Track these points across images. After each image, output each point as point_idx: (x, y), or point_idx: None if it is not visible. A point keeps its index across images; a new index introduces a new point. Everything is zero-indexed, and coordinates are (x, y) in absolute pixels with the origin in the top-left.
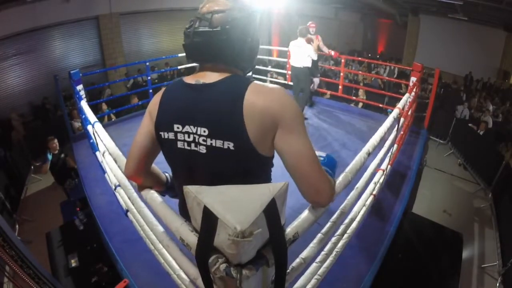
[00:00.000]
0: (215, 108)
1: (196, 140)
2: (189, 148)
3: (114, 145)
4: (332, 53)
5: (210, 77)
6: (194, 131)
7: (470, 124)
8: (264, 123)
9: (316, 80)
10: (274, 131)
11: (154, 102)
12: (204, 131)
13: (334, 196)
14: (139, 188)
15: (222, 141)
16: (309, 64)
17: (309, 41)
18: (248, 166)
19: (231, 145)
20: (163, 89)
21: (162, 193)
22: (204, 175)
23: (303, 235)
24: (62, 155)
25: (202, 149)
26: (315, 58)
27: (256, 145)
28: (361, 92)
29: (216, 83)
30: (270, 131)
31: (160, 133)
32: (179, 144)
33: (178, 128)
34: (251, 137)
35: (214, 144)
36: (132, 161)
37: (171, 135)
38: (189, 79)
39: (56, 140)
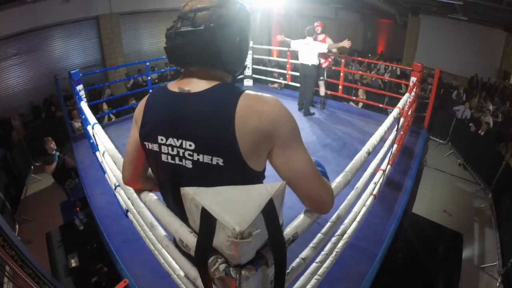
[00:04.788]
0: (202, 120)
1: (181, 154)
2: (173, 161)
3: (113, 147)
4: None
5: (197, 84)
6: (178, 144)
7: (471, 124)
8: (258, 140)
9: (321, 83)
10: (270, 148)
11: (139, 110)
12: (190, 145)
13: (333, 199)
14: (138, 192)
15: (210, 157)
16: (316, 62)
17: (316, 39)
18: (238, 181)
19: (220, 161)
20: (148, 95)
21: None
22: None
23: (303, 235)
24: (60, 155)
25: (188, 164)
26: (325, 51)
27: (248, 160)
28: (360, 92)
29: (204, 92)
30: (265, 147)
31: (145, 143)
32: (163, 157)
33: (161, 140)
34: (243, 153)
35: (201, 160)
36: (126, 171)
37: (155, 147)
38: (173, 86)
39: (53, 141)
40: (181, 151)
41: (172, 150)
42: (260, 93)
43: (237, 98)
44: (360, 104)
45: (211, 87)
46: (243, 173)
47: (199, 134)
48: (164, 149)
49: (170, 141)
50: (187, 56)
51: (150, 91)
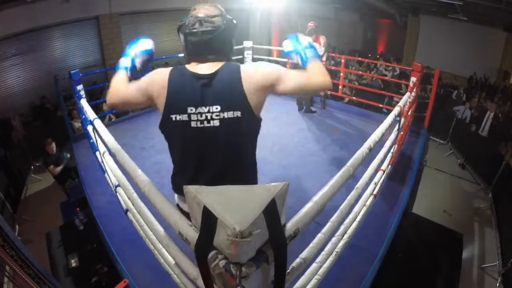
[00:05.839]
0: (222, 89)
1: (209, 118)
2: (202, 125)
3: (113, 140)
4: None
5: (211, 67)
6: (207, 110)
7: (473, 125)
8: (263, 89)
9: None
10: (271, 89)
11: (160, 85)
12: (217, 108)
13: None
14: (138, 179)
15: (232, 112)
16: None
17: (315, 40)
18: (250, 128)
19: (239, 114)
20: (167, 73)
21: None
22: (216, 144)
23: (303, 236)
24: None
25: (216, 123)
26: (321, 53)
27: (255, 110)
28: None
29: (218, 71)
30: (267, 91)
31: (171, 116)
32: (193, 124)
33: (191, 110)
34: (252, 105)
35: (226, 116)
36: (118, 99)
37: (184, 117)
38: (193, 68)
39: (53, 143)
40: (209, 115)
41: (201, 116)
42: (248, 63)
43: (239, 69)
44: (346, 100)
45: (220, 67)
46: (253, 121)
47: (222, 99)
48: (193, 117)
49: (199, 109)
50: (210, 47)
51: (169, 70)
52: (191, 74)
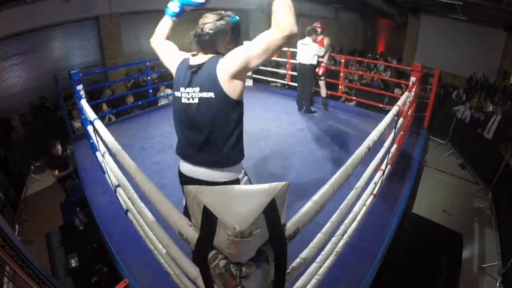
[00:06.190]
0: (203, 76)
1: (193, 96)
2: (188, 102)
3: (113, 139)
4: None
5: (202, 58)
6: (192, 91)
7: (479, 130)
8: (235, 73)
9: (322, 83)
10: (246, 70)
11: (175, 66)
12: (197, 89)
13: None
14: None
15: (207, 93)
16: (314, 62)
17: (315, 40)
18: (223, 107)
19: (212, 95)
20: (181, 59)
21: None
22: (199, 116)
23: (303, 235)
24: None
25: (196, 101)
26: (321, 54)
27: (229, 93)
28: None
29: (204, 63)
30: (241, 73)
31: (174, 92)
32: (183, 100)
33: (182, 89)
34: (224, 88)
35: (203, 96)
36: (152, 42)
37: (178, 94)
38: (191, 59)
39: (59, 145)
40: (192, 94)
41: (188, 95)
42: (227, 54)
43: (217, 61)
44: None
45: (207, 59)
46: (225, 101)
47: (202, 82)
48: (183, 95)
49: (187, 90)
50: (199, 46)
51: (182, 59)
52: (187, 64)
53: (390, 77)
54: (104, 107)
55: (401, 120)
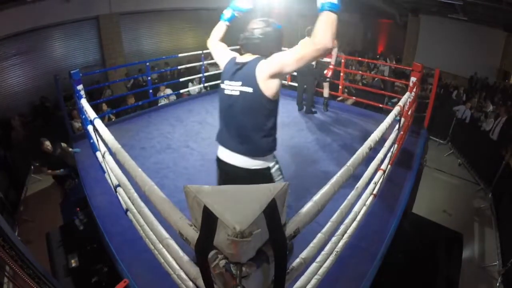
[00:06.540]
0: (245, 73)
1: (235, 89)
2: (230, 93)
3: (113, 138)
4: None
5: (248, 57)
6: (234, 84)
7: (492, 136)
8: (265, 73)
9: (326, 84)
10: (281, 74)
11: (224, 63)
12: (239, 83)
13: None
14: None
15: (246, 87)
16: (314, 63)
17: None
18: (259, 102)
19: (250, 90)
20: (230, 58)
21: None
22: (238, 108)
23: (303, 235)
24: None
25: (237, 93)
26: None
27: (264, 91)
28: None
29: (248, 62)
30: (277, 77)
31: (221, 84)
32: (226, 91)
33: (227, 82)
34: (261, 86)
35: (243, 90)
36: (208, 42)
37: (223, 86)
38: (239, 57)
39: (47, 142)
40: (234, 87)
41: (230, 87)
42: (266, 59)
43: (258, 62)
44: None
45: (251, 59)
46: (261, 97)
47: (243, 78)
48: (227, 87)
49: (231, 82)
50: (246, 47)
51: (231, 57)
52: (234, 61)
53: (389, 77)
54: (104, 107)
55: (402, 120)
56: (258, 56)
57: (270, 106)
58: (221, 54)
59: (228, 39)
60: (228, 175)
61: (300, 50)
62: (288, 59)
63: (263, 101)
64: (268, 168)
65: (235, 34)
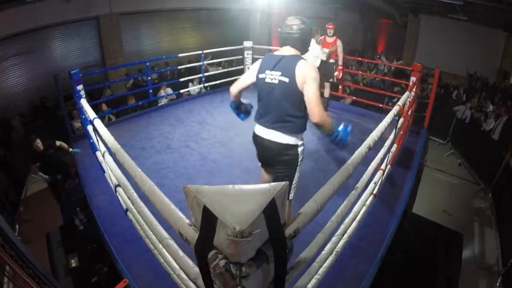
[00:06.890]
0: (285, 65)
1: (274, 77)
2: (270, 81)
3: (113, 139)
4: (337, 73)
5: (286, 51)
6: (275, 73)
7: (493, 136)
8: (301, 76)
9: (327, 85)
10: (305, 81)
11: (256, 65)
12: (279, 73)
13: (323, 117)
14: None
15: (284, 77)
16: (317, 64)
17: (317, 40)
18: (294, 91)
19: (287, 80)
20: (262, 59)
21: (237, 108)
22: (276, 93)
23: (303, 235)
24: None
25: (276, 81)
26: (324, 58)
27: (298, 83)
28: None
29: (288, 56)
30: (303, 80)
31: (258, 74)
32: (267, 80)
33: (267, 72)
34: (296, 79)
35: (281, 79)
36: (236, 87)
37: (262, 75)
38: (278, 51)
39: (38, 140)
40: (275, 76)
41: (271, 76)
42: (305, 61)
43: (298, 60)
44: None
45: (290, 54)
46: (295, 88)
47: (283, 69)
48: (268, 76)
49: (271, 72)
50: (286, 41)
51: (262, 59)
52: (274, 54)
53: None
54: (104, 107)
55: (401, 120)
56: (297, 54)
57: (302, 96)
58: (249, 76)
59: (230, 39)
60: (264, 147)
61: (315, 103)
62: (308, 94)
63: (296, 90)
64: (297, 146)
65: (236, 35)
